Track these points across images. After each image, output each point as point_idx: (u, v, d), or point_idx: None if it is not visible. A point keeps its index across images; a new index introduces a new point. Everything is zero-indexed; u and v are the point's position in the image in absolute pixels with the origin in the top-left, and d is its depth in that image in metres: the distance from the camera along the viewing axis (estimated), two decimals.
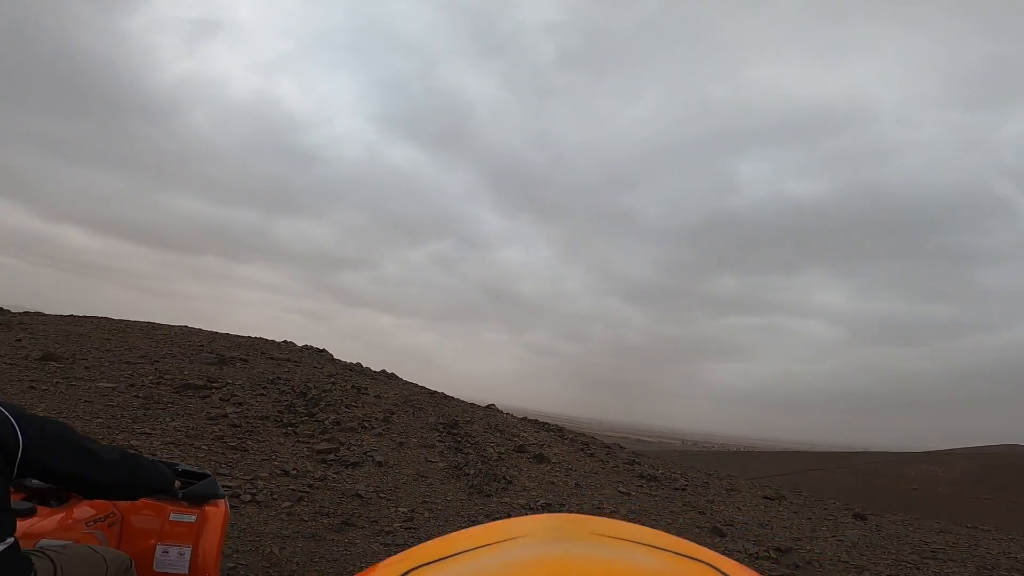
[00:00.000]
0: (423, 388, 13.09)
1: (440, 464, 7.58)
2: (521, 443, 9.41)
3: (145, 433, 6.44)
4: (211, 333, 13.05)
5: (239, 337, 13.16)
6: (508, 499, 6.69)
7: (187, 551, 2.19)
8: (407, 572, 1.50)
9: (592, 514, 6.34)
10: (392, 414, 9.29)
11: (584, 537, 1.50)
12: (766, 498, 10.43)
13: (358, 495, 6.04)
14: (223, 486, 3.42)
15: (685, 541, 1.55)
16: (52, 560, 1.55)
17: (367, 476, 6.70)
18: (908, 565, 6.22)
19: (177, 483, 2.08)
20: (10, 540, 1.47)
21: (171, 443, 6.34)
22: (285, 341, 14.04)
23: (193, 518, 2.22)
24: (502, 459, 8.32)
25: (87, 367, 8.34)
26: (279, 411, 8.28)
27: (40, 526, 1.74)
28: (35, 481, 1.84)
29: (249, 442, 7.01)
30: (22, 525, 1.61)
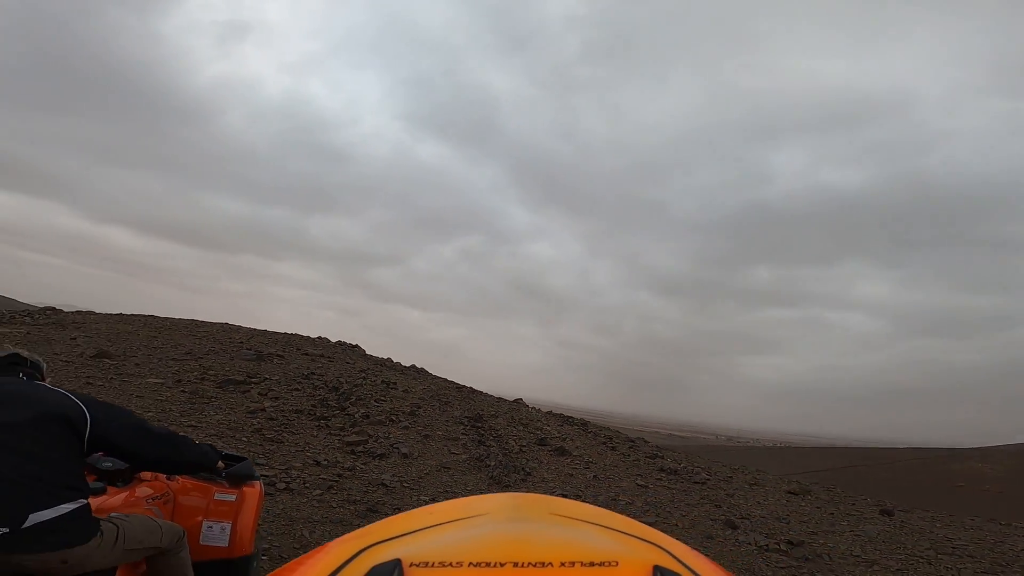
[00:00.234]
0: (451, 383, 13.49)
1: (463, 456, 7.94)
2: (543, 436, 9.70)
3: (192, 426, 6.98)
4: (250, 330, 13.74)
5: (276, 334, 13.81)
6: (526, 489, 6.99)
7: (228, 526, 2.58)
8: (363, 549, 1.51)
9: (607, 506, 6.59)
10: (419, 408, 9.70)
11: (542, 517, 1.52)
12: (790, 492, 10.43)
13: (383, 484, 6.44)
14: (261, 475, 3.83)
15: (642, 525, 1.56)
16: (117, 525, 1.93)
17: (393, 467, 7.10)
18: (921, 560, 6.26)
19: (220, 464, 2.46)
20: (83, 501, 1.84)
21: (214, 435, 6.85)
22: (319, 337, 14.65)
23: (233, 497, 2.61)
24: (523, 452, 8.63)
25: (137, 364, 9.00)
26: (313, 405, 8.78)
27: (109, 502, 2.15)
28: (106, 464, 2.27)
29: (285, 434, 7.50)
30: (94, 501, 2.01)
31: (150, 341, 10.71)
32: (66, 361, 8.51)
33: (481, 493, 6.70)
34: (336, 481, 6.32)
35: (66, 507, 1.77)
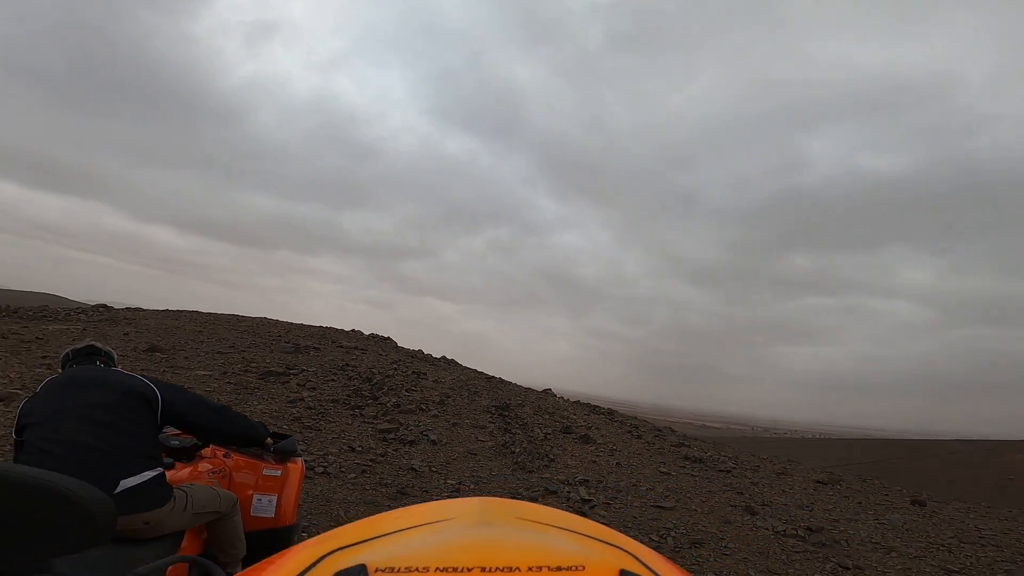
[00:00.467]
0: (480, 373, 13.85)
1: (489, 443, 8.27)
2: (568, 424, 9.95)
3: None
4: (287, 324, 14.39)
5: (312, 327, 14.42)
6: (548, 475, 7.27)
7: (274, 499, 2.94)
8: (328, 553, 1.51)
9: (628, 491, 6.82)
10: (448, 397, 10.07)
11: (508, 521, 1.51)
12: (818, 482, 10.42)
13: (413, 469, 6.82)
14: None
15: (608, 529, 1.52)
16: (186, 492, 2.28)
17: (422, 453, 7.48)
18: (941, 548, 6.28)
19: (269, 440, 2.83)
20: (160, 469, 2.19)
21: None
22: (352, 330, 15.22)
23: (279, 473, 2.97)
24: (548, 439, 8.91)
25: (186, 357, 9.62)
26: (347, 395, 9.24)
27: (178, 475, 2.51)
28: (174, 442, 2.65)
29: (322, 423, 7.97)
30: (166, 474, 2.38)
31: (196, 335, 11.38)
32: (121, 355, 9.16)
33: (506, 478, 7.02)
34: (369, 466, 6.73)
35: (148, 474, 2.12)
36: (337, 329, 14.92)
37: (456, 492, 6.31)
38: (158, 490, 2.14)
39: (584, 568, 1.51)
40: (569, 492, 6.74)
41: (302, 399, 8.59)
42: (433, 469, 6.95)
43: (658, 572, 1.52)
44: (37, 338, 9.50)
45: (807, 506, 7.95)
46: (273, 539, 2.93)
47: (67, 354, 2.44)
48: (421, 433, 8.11)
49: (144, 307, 15.05)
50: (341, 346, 12.54)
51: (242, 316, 14.71)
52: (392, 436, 7.90)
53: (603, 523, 5.95)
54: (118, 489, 2.01)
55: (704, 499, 7.27)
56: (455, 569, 1.50)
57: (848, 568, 5.47)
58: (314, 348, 11.78)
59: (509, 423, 9.37)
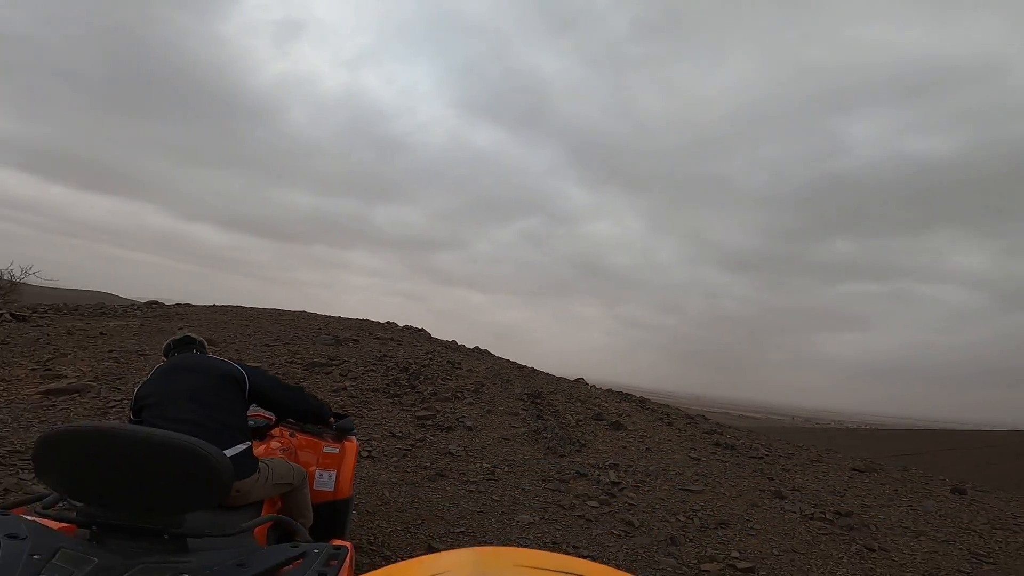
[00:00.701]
0: (513, 363, 14.17)
1: (522, 429, 8.58)
2: (600, 412, 10.18)
3: None
4: (326, 317, 14.98)
5: (349, 320, 14.99)
6: (579, 459, 7.54)
7: (333, 474, 3.31)
8: None
9: (656, 476, 7.02)
10: (482, 386, 10.42)
11: (506, 570, 1.40)
12: (855, 470, 10.36)
13: (450, 453, 7.20)
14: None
15: (617, 571, 1.40)
16: (268, 464, 2.63)
17: (458, 438, 7.85)
18: (973, 533, 6.29)
19: (331, 419, 3.22)
20: (249, 443, 2.55)
21: None
22: (388, 322, 15.73)
23: (337, 450, 3.34)
24: (579, 426, 9.17)
25: (237, 349, 10.22)
26: (387, 384, 9.69)
27: (256, 451, 2.85)
28: (251, 423, 3.01)
29: (364, 410, 8.42)
30: None
31: (243, 329, 12.02)
32: None
33: (537, 461, 7.32)
34: (409, 450, 7.13)
35: (241, 447, 2.48)
36: (373, 321, 15.46)
37: (491, 474, 6.65)
38: (248, 461, 2.50)
39: None
40: (599, 475, 6.99)
41: (345, 388, 9.06)
42: (469, 453, 7.31)
43: None
44: (101, 334, 10.25)
45: (839, 492, 7.99)
46: (332, 510, 3.30)
47: (169, 344, 2.87)
48: (457, 420, 8.48)
49: (192, 303, 15.90)
50: (378, 338, 13.03)
51: (283, 310, 15.38)
52: (430, 423, 8.30)
53: (631, 504, 6.18)
54: None
55: (733, 484, 7.42)
56: None
57: (873, 550, 5.57)
58: (353, 340, 12.29)
59: (541, 410, 9.66)
